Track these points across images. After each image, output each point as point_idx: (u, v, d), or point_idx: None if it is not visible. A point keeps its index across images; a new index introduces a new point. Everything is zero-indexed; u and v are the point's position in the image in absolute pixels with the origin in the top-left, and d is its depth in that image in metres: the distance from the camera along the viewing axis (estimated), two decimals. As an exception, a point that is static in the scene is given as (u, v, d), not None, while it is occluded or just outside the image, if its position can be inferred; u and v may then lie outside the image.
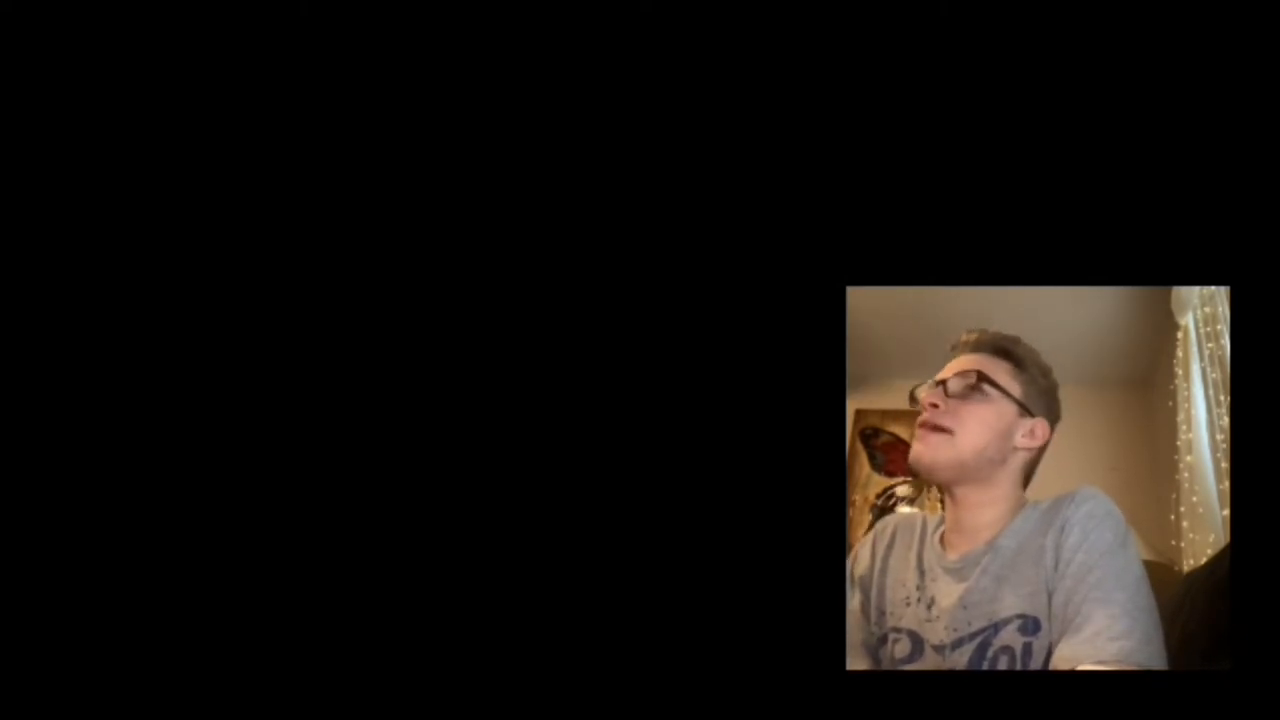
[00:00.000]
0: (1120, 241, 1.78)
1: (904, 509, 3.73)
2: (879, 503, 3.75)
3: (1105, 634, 1.41)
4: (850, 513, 3.69)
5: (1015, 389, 1.64)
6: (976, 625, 1.54)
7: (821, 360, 1.79)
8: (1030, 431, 1.64)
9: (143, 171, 1.82)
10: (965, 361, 1.68)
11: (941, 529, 1.69)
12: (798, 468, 1.78)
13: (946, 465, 1.61)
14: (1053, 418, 1.67)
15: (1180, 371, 2.90)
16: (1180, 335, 2.89)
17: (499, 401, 1.79)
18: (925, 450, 1.62)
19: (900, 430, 3.82)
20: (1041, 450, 1.66)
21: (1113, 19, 1.79)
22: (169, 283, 1.81)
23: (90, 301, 1.80)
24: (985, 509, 1.63)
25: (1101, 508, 1.54)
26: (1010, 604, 1.53)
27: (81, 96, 1.82)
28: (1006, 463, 1.63)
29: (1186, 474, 2.78)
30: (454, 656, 1.76)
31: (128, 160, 1.82)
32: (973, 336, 1.71)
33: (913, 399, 1.69)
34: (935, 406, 1.63)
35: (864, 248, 1.79)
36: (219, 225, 1.81)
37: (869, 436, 3.84)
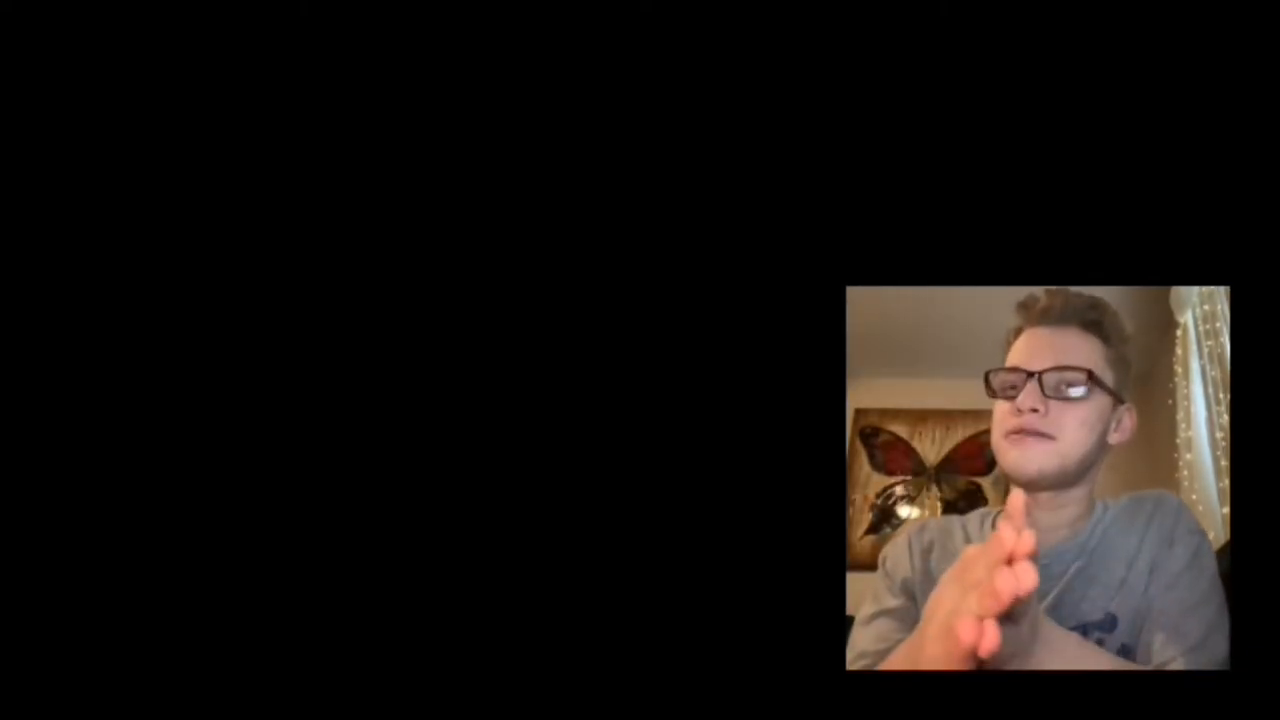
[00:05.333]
0: (1120, 241, 1.79)
1: (905, 509, 3.73)
2: (879, 502, 3.75)
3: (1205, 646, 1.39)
4: (850, 512, 3.69)
5: (1109, 376, 1.50)
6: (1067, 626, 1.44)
7: (821, 360, 1.79)
8: (1120, 424, 1.52)
9: (143, 171, 1.82)
10: (1052, 341, 1.53)
11: (991, 517, 1.62)
12: (797, 467, 1.78)
13: (1053, 474, 1.48)
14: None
15: (1179, 370, 2.90)
16: (1179, 333, 2.89)
17: (497, 401, 1.79)
18: (1027, 460, 1.46)
19: (900, 429, 3.82)
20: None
21: (1113, 19, 1.79)
22: (168, 282, 1.81)
23: (90, 301, 1.80)
24: (1065, 509, 1.54)
25: (1193, 522, 1.49)
26: (1099, 604, 1.47)
27: (82, 96, 1.82)
28: (1097, 463, 1.53)
29: (1186, 472, 2.78)
30: (453, 656, 1.76)
31: (128, 160, 1.82)
32: (1055, 301, 1.54)
33: (988, 384, 1.53)
34: (1036, 411, 1.46)
35: (864, 248, 1.80)
36: (218, 225, 1.81)
37: (869, 436, 3.84)
